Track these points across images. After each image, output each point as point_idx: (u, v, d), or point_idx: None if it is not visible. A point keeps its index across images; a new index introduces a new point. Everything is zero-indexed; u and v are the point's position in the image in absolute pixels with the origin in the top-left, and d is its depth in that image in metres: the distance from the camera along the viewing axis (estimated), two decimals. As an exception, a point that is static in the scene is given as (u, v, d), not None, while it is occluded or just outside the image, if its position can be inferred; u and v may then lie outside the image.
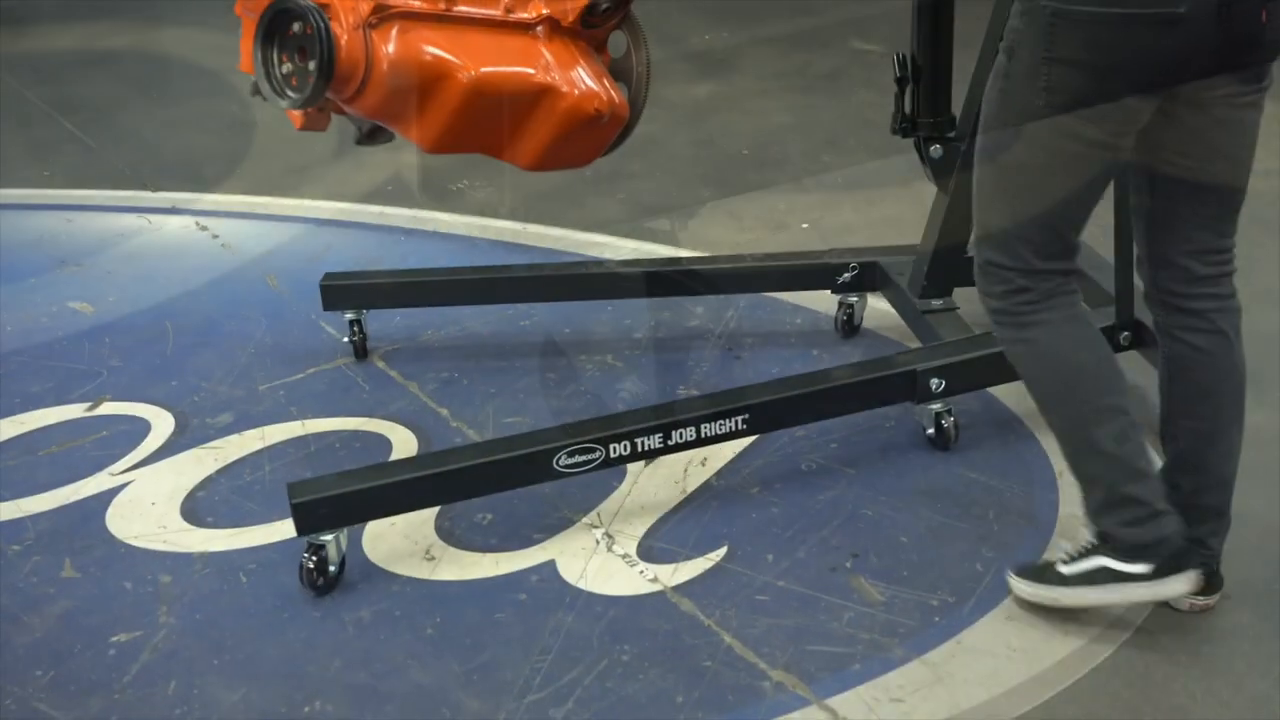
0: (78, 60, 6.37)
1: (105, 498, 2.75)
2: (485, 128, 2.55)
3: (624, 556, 2.53)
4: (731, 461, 2.78)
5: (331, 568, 2.44)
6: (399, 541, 2.58)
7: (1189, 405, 2.28)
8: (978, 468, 2.73)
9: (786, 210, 4.07)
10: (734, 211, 4.09)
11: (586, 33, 2.60)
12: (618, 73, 2.67)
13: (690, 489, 2.70)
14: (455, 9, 2.49)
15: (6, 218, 4.36)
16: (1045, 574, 2.32)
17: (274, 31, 2.43)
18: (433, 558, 2.54)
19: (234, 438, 2.96)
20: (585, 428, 2.56)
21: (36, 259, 3.99)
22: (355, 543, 2.57)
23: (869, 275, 3.22)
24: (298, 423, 3.01)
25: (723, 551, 2.52)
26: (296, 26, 2.40)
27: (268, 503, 2.71)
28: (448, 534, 2.60)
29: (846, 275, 3.21)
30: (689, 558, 2.51)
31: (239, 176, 4.59)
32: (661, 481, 2.73)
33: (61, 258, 3.99)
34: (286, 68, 2.43)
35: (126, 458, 2.89)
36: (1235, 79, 2.04)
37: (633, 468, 2.76)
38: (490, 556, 2.54)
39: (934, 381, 2.71)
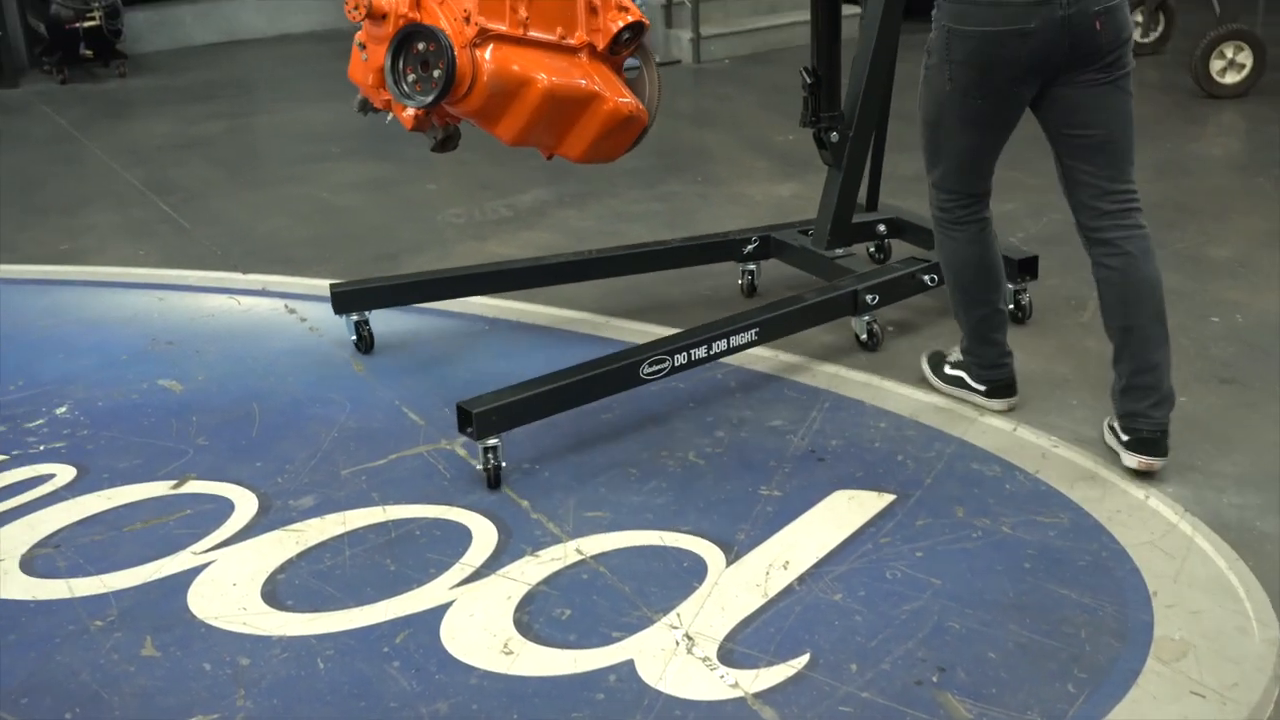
0: (174, 144, 6.57)
1: (187, 576, 2.76)
2: (549, 125, 3.31)
3: (704, 659, 2.48)
4: (814, 566, 2.74)
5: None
6: (478, 634, 2.56)
7: (1113, 311, 3.03)
8: (1068, 584, 2.66)
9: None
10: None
11: (612, 57, 3.40)
12: (635, 88, 3.47)
13: (772, 592, 2.66)
14: (529, 34, 3.23)
15: (103, 294, 4.46)
16: (937, 365, 3.50)
17: (403, 48, 3.11)
18: (511, 652, 2.51)
19: (315, 521, 2.97)
20: (656, 345, 3.41)
21: (130, 336, 4.07)
22: (434, 633, 2.55)
23: (765, 246, 4.18)
24: (379, 508, 3.01)
25: (805, 659, 2.47)
26: (421, 45, 3.10)
27: (347, 588, 2.70)
28: (526, 628, 2.58)
29: (749, 247, 4.18)
30: (771, 663, 2.46)
31: (327, 261, 4.66)
32: (742, 583, 2.69)
33: (153, 335, 4.07)
34: (411, 78, 3.14)
35: (209, 537, 2.91)
36: (1092, 69, 2.88)
37: (712, 568, 2.73)
38: (568, 653, 2.51)
39: (869, 297, 3.72)
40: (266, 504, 3.05)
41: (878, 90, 3.93)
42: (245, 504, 3.05)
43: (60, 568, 2.81)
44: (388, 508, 3.02)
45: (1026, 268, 3.91)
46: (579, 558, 2.80)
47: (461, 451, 3.26)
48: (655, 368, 3.34)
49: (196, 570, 2.79)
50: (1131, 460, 3.02)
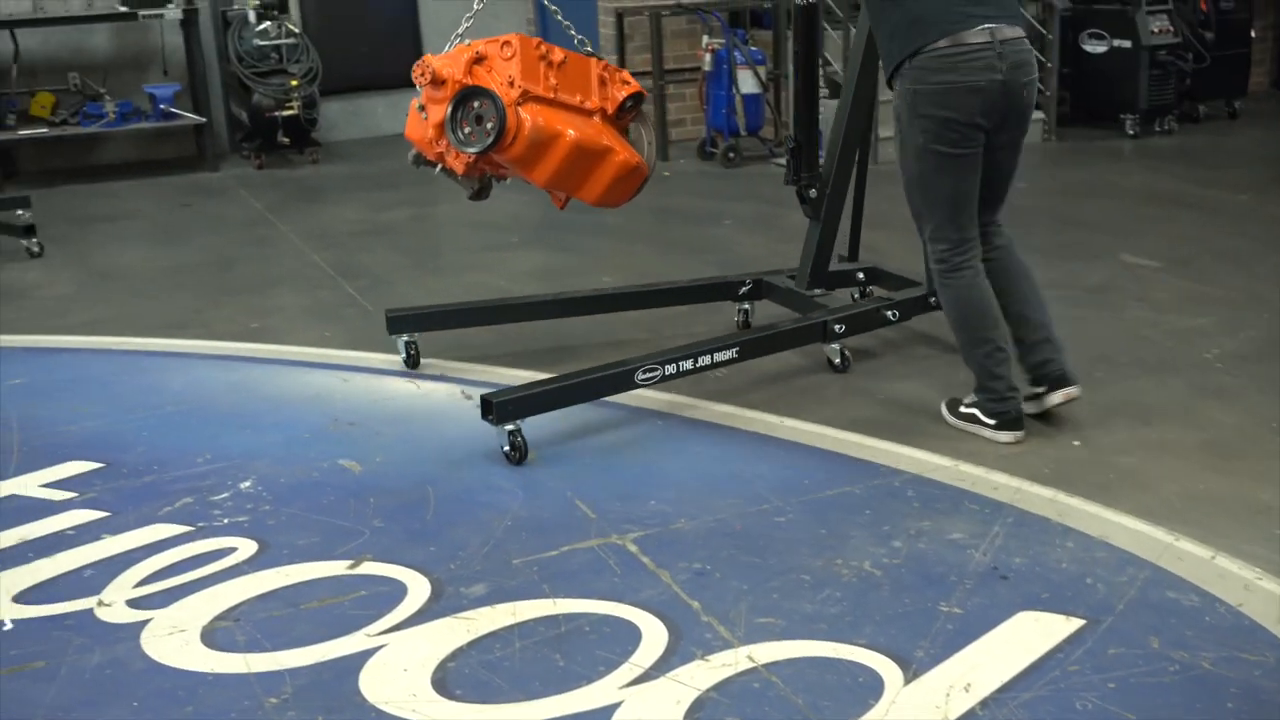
0: (362, 230, 6.80)
1: (360, 659, 2.78)
2: (572, 173, 4.00)
3: (880, 782, 2.38)
4: (998, 691, 2.61)
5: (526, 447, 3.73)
6: (646, 738, 2.50)
7: (1000, 290, 3.80)
8: (1275, 727, 2.49)
9: (1055, 424, 3.92)
10: (998, 422, 3.97)
11: (618, 120, 4.18)
12: (635, 147, 4.19)
13: (953, 715, 2.54)
14: (558, 97, 3.97)
15: (289, 373, 4.60)
16: (954, 406, 3.91)
17: (460, 106, 3.80)
18: (679, 759, 2.45)
19: (486, 610, 2.96)
20: (651, 358, 4.01)
21: (313, 414, 4.18)
22: (601, 734, 2.50)
23: (758, 288, 4.88)
24: (550, 600, 2.99)
25: (988, 789, 2.35)
26: (476, 103, 3.80)
27: (515, 681, 2.68)
28: (695, 735, 2.51)
29: (744, 289, 4.87)
30: (951, 792, 2.34)
31: (504, 351, 4.73)
32: (921, 703, 2.58)
33: (335, 415, 4.17)
34: (466, 129, 3.82)
35: (383, 620, 2.93)
36: (1008, 129, 3.68)
37: (889, 685, 2.63)
38: (738, 765, 2.43)
39: (837, 326, 4.34)
40: (439, 589, 3.06)
41: (850, 155, 4.62)
42: (418, 588, 3.06)
43: (239, 642, 2.86)
44: (558, 601, 3.00)
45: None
46: (750, 665, 2.73)
47: (633, 548, 3.23)
48: (648, 375, 3.97)
49: (369, 653, 2.80)
50: (1057, 396, 3.81)
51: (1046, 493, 3.47)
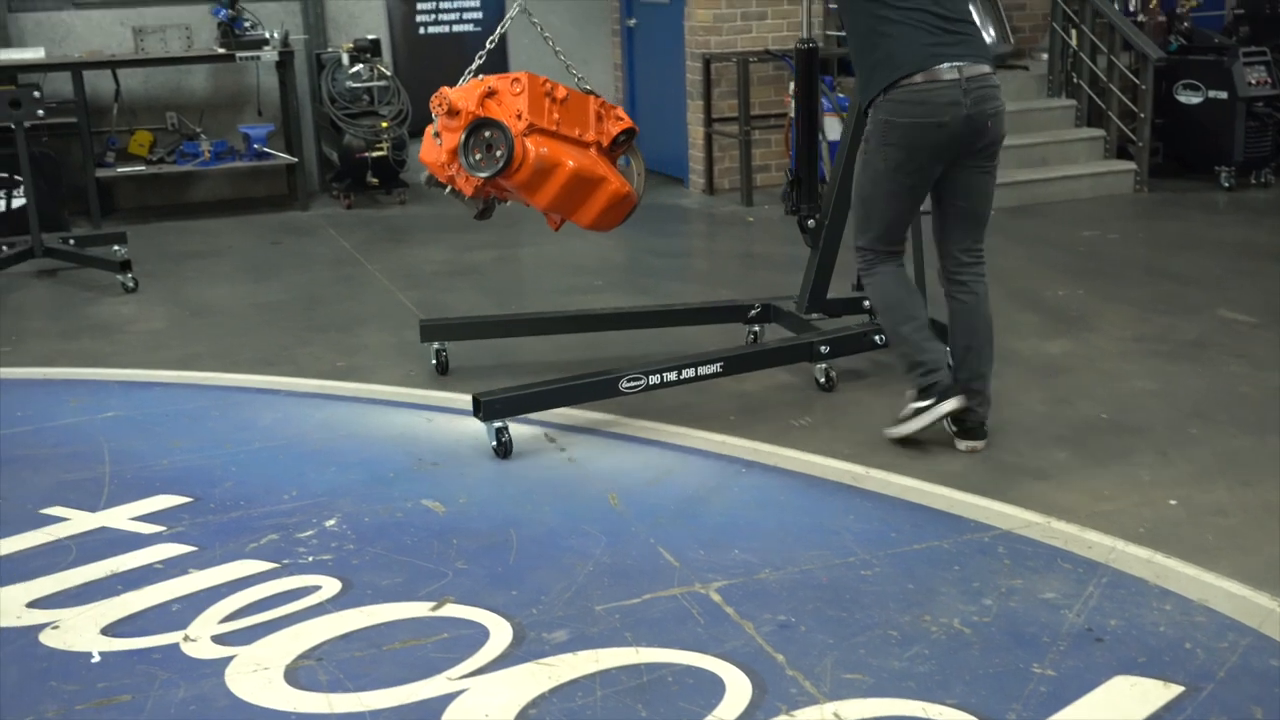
0: (447, 271, 6.85)
1: (442, 702, 2.76)
2: (569, 198, 4.42)
3: None
4: (1094, 757, 2.53)
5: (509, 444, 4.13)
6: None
7: (958, 334, 4.10)
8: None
9: (1150, 483, 3.82)
10: (1092, 477, 3.87)
11: (612, 152, 4.63)
12: (625, 177, 4.62)
13: (1047, 782, 2.47)
14: (560, 130, 4.39)
15: (374, 412, 4.63)
16: (898, 420, 4.14)
17: (473, 134, 4.24)
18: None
19: (568, 656, 2.94)
20: (636, 365, 4.45)
21: (397, 454, 4.20)
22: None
23: (765, 312, 5.20)
24: (632, 649, 2.96)
25: None
26: (487, 133, 4.25)
27: (597, 731, 2.65)
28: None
29: (753, 312, 5.21)
30: None
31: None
32: (1013, 769, 2.51)
33: (419, 455, 4.18)
34: (478, 156, 4.26)
35: (465, 663, 2.91)
36: (979, 156, 3.95)
37: (981, 748, 2.56)
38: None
39: (822, 347, 4.67)
40: (521, 634, 3.04)
41: (849, 187, 4.58)
42: (500, 632, 3.05)
43: (321, 681, 2.86)
44: (641, 649, 2.96)
45: None
46: (836, 722, 2.67)
47: (717, 597, 3.19)
48: (633, 384, 4.30)
49: (451, 696, 2.78)
50: (963, 445, 4.09)
51: (1143, 553, 3.37)
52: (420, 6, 9.43)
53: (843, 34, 8.51)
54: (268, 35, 8.42)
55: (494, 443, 4.11)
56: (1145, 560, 3.34)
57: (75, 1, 8.66)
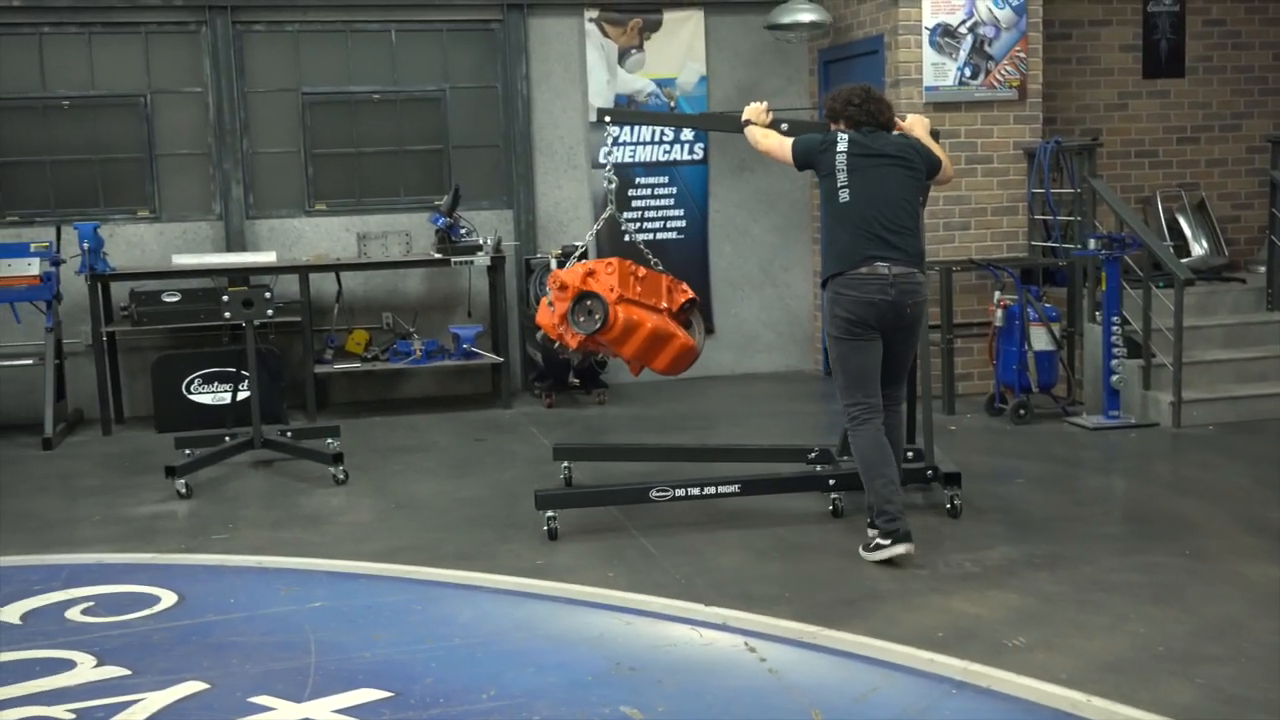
0: (643, 472, 6.83)
1: None
2: (649, 350, 5.86)
3: None
4: None
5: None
6: None
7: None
8: None
9: None
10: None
11: (679, 315, 6.04)
12: (691, 332, 6.10)
13: None
14: (641, 299, 5.82)
15: (572, 613, 4.61)
16: (867, 546, 5.17)
17: (578, 303, 5.71)
18: None
19: None
20: (665, 481, 5.85)
21: (595, 657, 4.15)
22: None
23: (823, 455, 6.27)
24: None
25: None
26: (589, 302, 5.72)
27: None
28: None
29: (811, 455, 6.33)
30: None
31: (788, 601, 4.61)
32: None
33: (617, 659, 4.12)
34: (581, 318, 5.71)
35: None
36: (901, 333, 5.29)
37: None
38: None
39: (830, 480, 5.81)
40: None
41: None
42: None
43: None
44: None
45: (953, 479, 5.84)
46: None
47: (929, 830, 3.00)
48: (661, 493, 5.67)
49: None
50: (900, 549, 5.02)
51: None
52: (627, 215, 9.76)
53: (1050, 243, 8.44)
54: (481, 241, 8.81)
55: (544, 527, 5.57)
56: None
57: (306, 210, 9.26)
